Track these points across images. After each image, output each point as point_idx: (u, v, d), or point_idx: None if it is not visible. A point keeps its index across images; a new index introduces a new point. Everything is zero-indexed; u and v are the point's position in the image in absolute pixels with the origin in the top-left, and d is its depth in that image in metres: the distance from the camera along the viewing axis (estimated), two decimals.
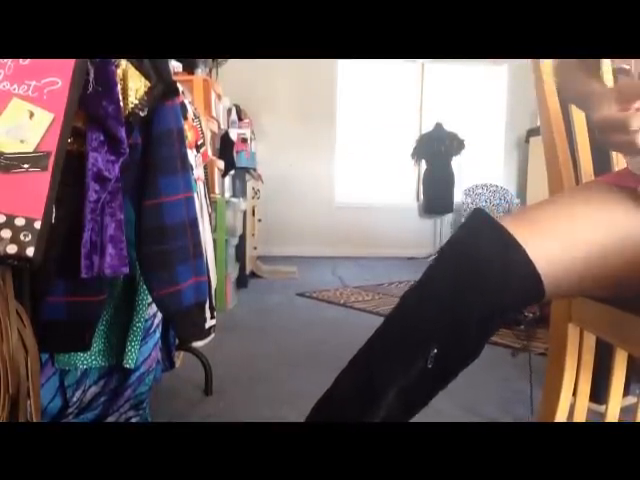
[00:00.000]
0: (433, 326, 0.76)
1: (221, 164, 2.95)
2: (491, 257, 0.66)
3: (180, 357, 1.65)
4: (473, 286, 0.66)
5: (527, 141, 5.52)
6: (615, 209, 0.71)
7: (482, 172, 5.78)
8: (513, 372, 1.94)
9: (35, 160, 0.85)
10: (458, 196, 5.64)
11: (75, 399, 1.28)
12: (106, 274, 1.03)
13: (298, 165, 5.72)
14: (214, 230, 2.56)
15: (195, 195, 1.22)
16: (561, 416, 1.13)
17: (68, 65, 0.90)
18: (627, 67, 0.85)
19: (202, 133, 1.50)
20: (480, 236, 0.70)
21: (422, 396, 0.85)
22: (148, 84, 1.07)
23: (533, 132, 5.29)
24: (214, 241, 1.87)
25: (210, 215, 1.55)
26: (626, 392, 1.36)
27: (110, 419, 1.29)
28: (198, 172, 1.41)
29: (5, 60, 0.88)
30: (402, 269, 4.73)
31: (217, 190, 2.81)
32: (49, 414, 1.25)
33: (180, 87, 1.24)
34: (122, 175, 1.05)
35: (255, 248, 4.31)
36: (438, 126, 5.53)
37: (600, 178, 0.86)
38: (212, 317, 1.33)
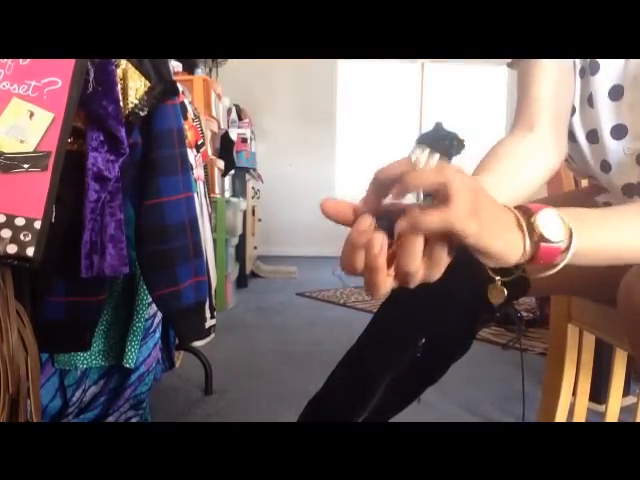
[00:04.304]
0: (420, 317, 0.78)
1: (221, 164, 2.95)
2: None
3: (180, 357, 1.65)
4: (459, 275, 0.66)
5: None
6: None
7: None
8: (511, 371, 1.94)
9: (35, 160, 0.85)
10: None
11: (75, 399, 1.28)
12: (106, 274, 1.03)
13: (298, 165, 5.71)
14: (214, 230, 2.56)
15: (195, 195, 1.23)
16: (561, 416, 1.13)
17: (68, 65, 0.90)
18: None
19: (202, 133, 1.50)
20: None
21: (413, 386, 0.86)
22: (148, 84, 1.07)
23: None
24: (214, 241, 1.87)
25: (210, 215, 1.55)
26: (626, 392, 1.36)
27: (110, 419, 1.28)
28: (198, 172, 1.41)
29: (5, 60, 0.88)
30: None
31: (217, 190, 2.81)
32: (49, 414, 1.25)
33: (180, 87, 1.24)
34: (122, 175, 1.05)
35: (255, 248, 4.31)
36: (438, 126, 5.50)
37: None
38: (212, 317, 1.33)
